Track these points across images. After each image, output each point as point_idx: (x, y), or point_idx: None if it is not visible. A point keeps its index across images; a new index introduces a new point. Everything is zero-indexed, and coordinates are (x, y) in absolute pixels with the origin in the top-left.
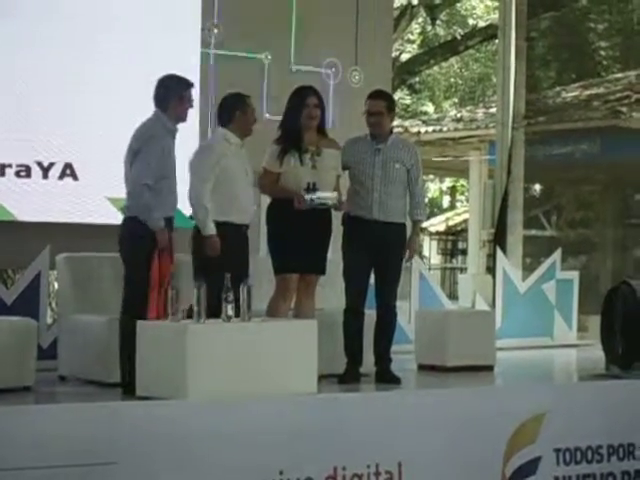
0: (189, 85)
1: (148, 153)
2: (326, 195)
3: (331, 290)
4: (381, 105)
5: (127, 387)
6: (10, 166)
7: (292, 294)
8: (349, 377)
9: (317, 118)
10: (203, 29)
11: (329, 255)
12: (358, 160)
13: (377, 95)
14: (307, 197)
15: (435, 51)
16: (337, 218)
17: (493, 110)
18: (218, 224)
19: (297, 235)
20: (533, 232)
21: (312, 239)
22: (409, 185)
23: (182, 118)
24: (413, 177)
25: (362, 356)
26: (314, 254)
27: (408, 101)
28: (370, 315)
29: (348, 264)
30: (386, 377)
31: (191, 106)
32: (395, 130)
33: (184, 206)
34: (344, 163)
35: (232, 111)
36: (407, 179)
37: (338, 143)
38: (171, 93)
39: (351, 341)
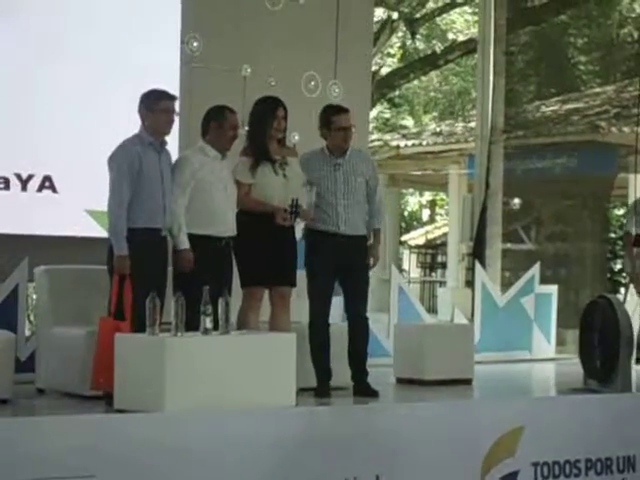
0: (162, 97)
1: (112, 177)
2: (304, 212)
3: (305, 303)
4: (350, 119)
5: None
6: None
7: (260, 305)
8: (322, 391)
9: (283, 130)
10: (182, 42)
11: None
12: (319, 176)
13: (345, 109)
14: (291, 215)
15: (415, 65)
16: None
17: (473, 124)
18: (195, 237)
19: (264, 247)
20: (512, 246)
21: (280, 250)
22: (368, 195)
23: (159, 130)
24: (372, 187)
25: (331, 370)
26: (283, 266)
27: (388, 115)
28: (339, 327)
29: (313, 278)
30: (364, 391)
31: (170, 119)
32: (374, 144)
33: None
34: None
35: (207, 122)
36: (366, 190)
37: (296, 151)
38: (143, 106)
39: (319, 355)
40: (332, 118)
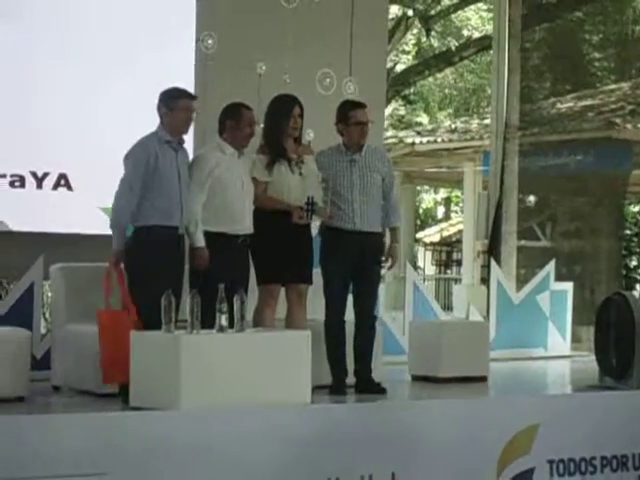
0: (182, 95)
1: (126, 173)
2: (320, 210)
3: (321, 300)
4: (367, 114)
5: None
6: (4, 176)
7: (276, 303)
8: (338, 389)
9: (300, 127)
10: (197, 40)
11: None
12: (334, 172)
13: (362, 105)
14: (307, 213)
15: (430, 62)
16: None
17: (487, 121)
18: (211, 234)
19: (281, 244)
20: (527, 243)
21: (296, 248)
22: (384, 193)
23: (177, 129)
24: (388, 184)
25: (347, 368)
26: (299, 264)
27: (402, 112)
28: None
29: (329, 276)
30: (372, 388)
31: (189, 117)
32: (389, 141)
33: None
34: (321, 175)
35: (224, 121)
36: (382, 187)
37: (311, 149)
38: (163, 104)
39: (335, 353)
40: (349, 113)
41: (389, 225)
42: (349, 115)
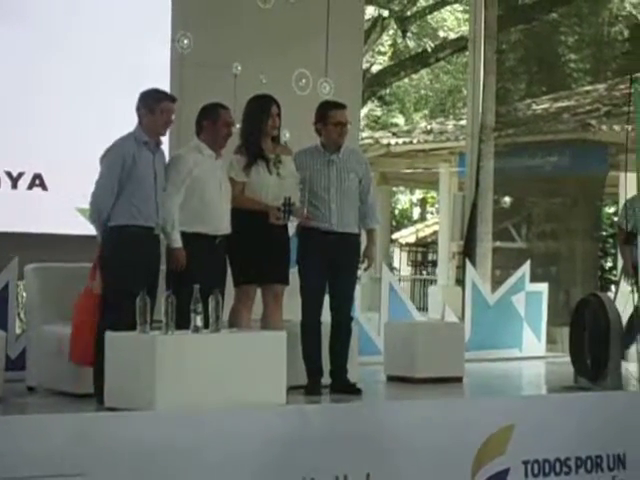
0: (162, 98)
1: (101, 172)
2: (298, 210)
3: (297, 301)
4: (346, 115)
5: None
6: None
7: (252, 303)
8: (313, 389)
9: (278, 127)
10: (173, 40)
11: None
12: (312, 172)
13: (341, 105)
14: (284, 214)
15: (405, 63)
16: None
17: (463, 122)
18: (188, 235)
19: (257, 245)
20: (502, 244)
21: (273, 249)
22: (361, 195)
23: (156, 130)
24: (365, 186)
25: (322, 368)
26: (275, 264)
27: (378, 113)
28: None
29: (306, 276)
30: (347, 388)
31: (168, 120)
32: (365, 142)
33: None
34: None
35: (201, 121)
36: (359, 189)
37: (290, 149)
38: (142, 104)
39: (311, 354)
40: (329, 113)
41: (366, 227)
42: (328, 115)
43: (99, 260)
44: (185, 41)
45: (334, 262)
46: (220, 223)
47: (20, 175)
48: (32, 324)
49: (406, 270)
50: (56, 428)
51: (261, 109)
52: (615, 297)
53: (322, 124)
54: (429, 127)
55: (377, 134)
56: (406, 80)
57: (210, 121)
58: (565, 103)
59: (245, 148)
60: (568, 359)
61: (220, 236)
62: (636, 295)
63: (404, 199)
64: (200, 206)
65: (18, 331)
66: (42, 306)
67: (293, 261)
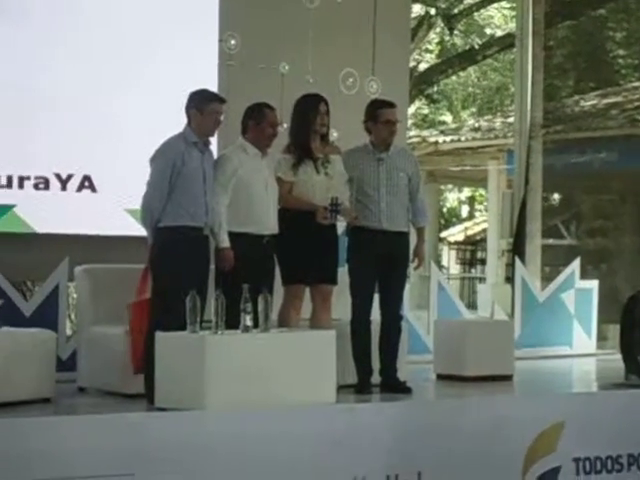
0: (212, 99)
1: (152, 173)
2: (346, 210)
3: (345, 300)
4: (396, 114)
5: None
6: (29, 178)
7: (301, 303)
8: (363, 388)
9: (326, 126)
10: (220, 40)
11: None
12: (361, 171)
13: (392, 104)
14: (331, 214)
15: (453, 61)
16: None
17: (511, 119)
18: (235, 235)
19: (305, 245)
20: (552, 241)
21: (321, 248)
22: (411, 193)
23: (205, 131)
24: (415, 184)
25: (372, 367)
26: (323, 264)
27: (426, 111)
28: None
29: (356, 275)
30: (397, 387)
31: (217, 121)
32: (413, 140)
33: None
34: (347, 174)
35: (246, 121)
36: (409, 187)
37: (339, 148)
38: (192, 105)
39: (361, 352)
40: (378, 111)
41: (416, 225)
42: (378, 113)
43: (149, 262)
44: (232, 41)
45: (384, 261)
46: (267, 222)
47: (69, 177)
48: (82, 325)
49: (455, 268)
50: (107, 429)
51: (309, 107)
52: None
53: (372, 122)
54: (477, 125)
55: (425, 132)
56: (453, 78)
57: (255, 121)
58: (613, 99)
59: (293, 147)
60: (619, 356)
61: (267, 235)
62: None
63: (452, 197)
64: (247, 206)
65: (69, 332)
66: (92, 307)
67: (342, 260)
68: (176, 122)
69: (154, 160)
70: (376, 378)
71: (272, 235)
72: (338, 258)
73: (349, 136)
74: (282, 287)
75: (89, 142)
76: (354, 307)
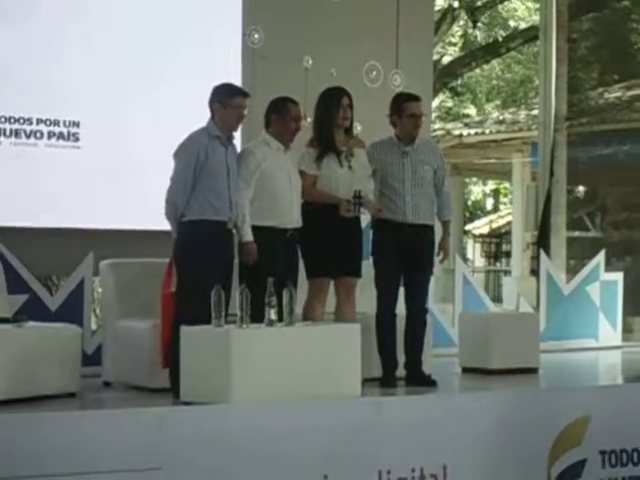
0: (236, 93)
1: (176, 168)
2: (369, 203)
3: (370, 293)
4: (421, 107)
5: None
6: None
7: (326, 296)
8: (388, 381)
9: (350, 118)
10: (244, 34)
11: (367, 258)
12: (387, 164)
13: (417, 98)
14: (354, 207)
15: (477, 53)
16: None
17: (535, 112)
18: (259, 228)
19: (329, 238)
20: (577, 234)
21: (345, 242)
22: (436, 186)
23: (228, 126)
24: (440, 177)
25: (397, 360)
26: (347, 257)
27: (450, 104)
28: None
29: (380, 268)
30: (422, 380)
31: (241, 115)
32: (437, 133)
33: None
34: (372, 167)
35: (269, 115)
36: (434, 180)
37: (363, 142)
38: (216, 99)
39: (386, 346)
40: (403, 105)
41: (441, 218)
42: (403, 107)
43: (174, 256)
44: (256, 35)
45: (409, 254)
46: (290, 216)
47: None
48: (108, 320)
49: (480, 261)
50: (132, 423)
51: (332, 101)
52: None
53: (397, 116)
54: (501, 117)
55: (449, 125)
56: (477, 71)
57: (279, 115)
58: (638, 91)
59: (317, 140)
60: None
61: (291, 229)
62: None
63: (477, 190)
64: (270, 199)
65: (94, 327)
66: (117, 302)
67: (366, 253)
68: (201, 116)
69: (178, 154)
70: (401, 371)
71: (295, 229)
72: (362, 251)
73: (373, 129)
74: (306, 281)
75: (115, 137)
76: (379, 300)
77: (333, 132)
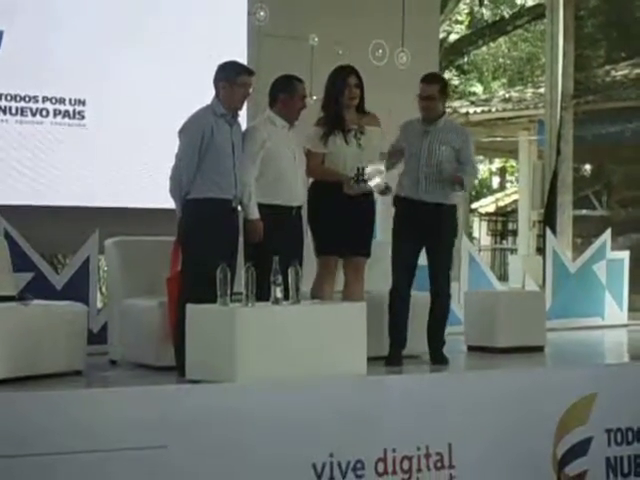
0: (242, 71)
1: (181, 146)
2: (375, 181)
3: (378, 272)
4: (433, 89)
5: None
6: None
7: (334, 275)
8: (393, 360)
9: (357, 98)
10: (249, 12)
11: (378, 236)
12: (409, 142)
13: (429, 79)
14: (356, 184)
15: (483, 31)
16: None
17: (542, 90)
18: (265, 206)
19: (340, 217)
20: (583, 212)
21: (355, 221)
22: (460, 164)
23: (233, 104)
24: (465, 156)
25: (406, 339)
26: (358, 236)
27: (456, 82)
28: (418, 297)
29: (395, 245)
30: (435, 358)
31: (246, 93)
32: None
33: None
34: (399, 144)
35: (277, 93)
36: (459, 159)
37: (378, 119)
38: (219, 77)
39: (395, 322)
40: (420, 86)
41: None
42: (419, 88)
43: (178, 234)
44: (261, 13)
45: (427, 234)
46: (295, 194)
47: None
48: (113, 298)
49: (486, 240)
50: (138, 401)
51: (339, 80)
52: None
53: (417, 97)
54: (507, 95)
55: (455, 103)
56: (484, 49)
57: (287, 94)
58: None
59: (324, 119)
60: None
61: (295, 207)
62: None
63: (483, 168)
64: (275, 178)
65: (99, 305)
66: (123, 280)
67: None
68: (206, 94)
69: (183, 132)
70: (410, 350)
71: (300, 207)
72: (373, 231)
73: (378, 108)
74: (316, 259)
75: (119, 114)
76: (393, 277)
77: (341, 111)
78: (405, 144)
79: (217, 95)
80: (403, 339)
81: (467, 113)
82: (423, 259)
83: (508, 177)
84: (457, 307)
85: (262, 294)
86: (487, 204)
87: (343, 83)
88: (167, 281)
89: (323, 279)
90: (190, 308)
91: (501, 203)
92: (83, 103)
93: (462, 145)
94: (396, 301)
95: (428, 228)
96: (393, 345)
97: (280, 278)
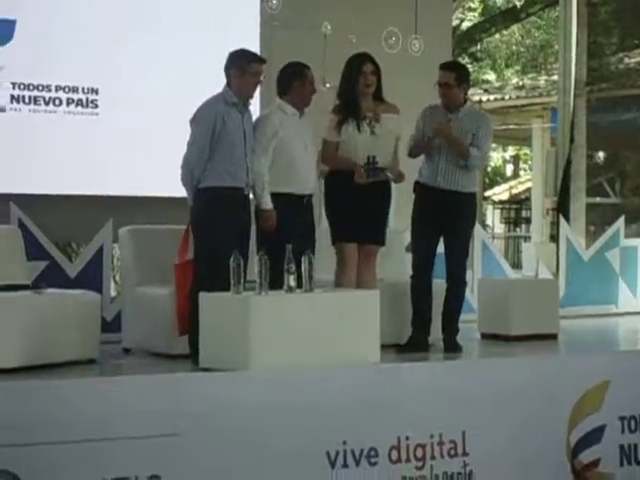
0: (253, 59)
1: (193, 134)
2: (390, 167)
3: (391, 260)
4: (449, 77)
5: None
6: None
7: (353, 263)
8: (415, 345)
9: (374, 85)
10: (262, 0)
11: (391, 225)
12: (430, 129)
13: (446, 67)
14: (366, 172)
15: (496, 19)
16: (409, 185)
17: (555, 77)
18: (277, 195)
19: (355, 205)
20: (597, 200)
21: (371, 209)
22: (475, 146)
23: (245, 92)
24: (478, 138)
25: (430, 325)
26: (372, 224)
27: (470, 70)
28: (435, 285)
29: (414, 231)
30: (449, 346)
31: (257, 82)
32: None
33: None
34: (422, 131)
35: (290, 81)
36: (472, 142)
37: (397, 107)
38: (230, 66)
39: (420, 309)
40: (438, 73)
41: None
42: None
43: (191, 223)
44: (274, 1)
45: (445, 220)
46: (307, 183)
47: None
48: (127, 286)
49: (499, 227)
50: (151, 389)
51: (354, 68)
52: None
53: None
54: (521, 83)
55: (469, 91)
56: (497, 36)
57: (299, 82)
58: None
59: (339, 107)
60: None
61: (307, 195)
62: None
63: (496, 156)
64: (287, 166)
65: (113, 293)
66: (137, 268)
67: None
68: (217, 83)
69: (194, 120)
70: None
71: (311, 195)
72: (388, 218)
73: (391, 95)
74: (333, 247)
75: (132, 104)
76: (413, 264)
77: (357, 99)
78: (426, 130)
79: (228, 83)
80: (422, 326)
81: (480, 101)
82: (440, 246)
83: (522, 165)
84: (470, 295)
85: (275, 282)
86: (501, 192)
87: (359, 70)
88: (175, 267)
89: (343, 267)
90: (203, 296)
91: (515, 191)
92: (96, 92)
93: (476, 130)
94: (418, 286)
95: (446, 215)
96: (415, 330)
97: (293, 266)
